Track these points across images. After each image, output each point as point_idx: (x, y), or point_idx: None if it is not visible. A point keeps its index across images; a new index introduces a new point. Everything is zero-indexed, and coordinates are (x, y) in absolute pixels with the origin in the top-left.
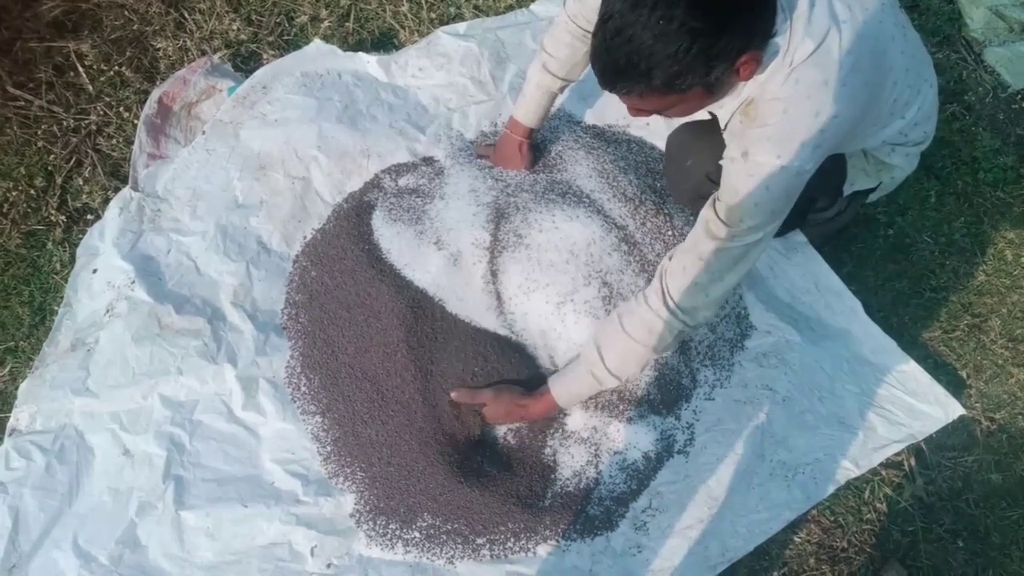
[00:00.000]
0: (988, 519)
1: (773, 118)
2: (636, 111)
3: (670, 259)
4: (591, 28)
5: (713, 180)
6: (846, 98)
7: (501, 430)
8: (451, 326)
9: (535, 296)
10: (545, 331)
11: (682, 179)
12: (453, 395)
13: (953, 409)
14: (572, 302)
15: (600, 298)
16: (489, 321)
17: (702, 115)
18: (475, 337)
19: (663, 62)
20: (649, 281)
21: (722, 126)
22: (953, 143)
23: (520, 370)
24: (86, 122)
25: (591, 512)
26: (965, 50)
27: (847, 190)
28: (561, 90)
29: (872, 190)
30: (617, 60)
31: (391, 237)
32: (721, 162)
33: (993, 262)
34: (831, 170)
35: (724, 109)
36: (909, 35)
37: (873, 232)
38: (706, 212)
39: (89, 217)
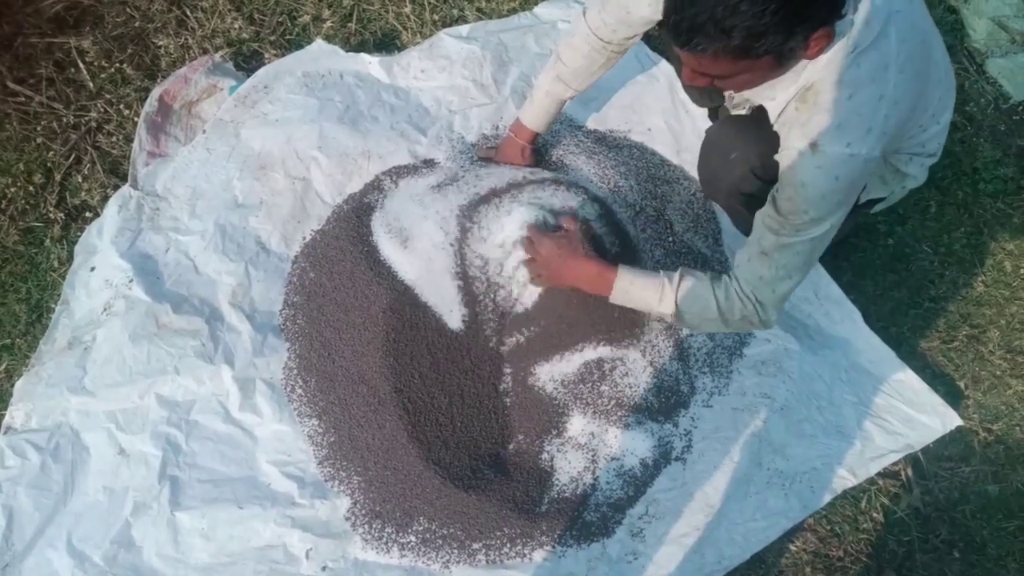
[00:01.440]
0: (984, 530)
1: (839, 104)
2: (698, 75)
3: (738, 255)
4: (611, 40)
5: (757, 175)
6: (903, 85)
7: (497, 431)
8: (447, 330)
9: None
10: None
11: (723, 173)
12: (529, 230)
13: (951, 419)
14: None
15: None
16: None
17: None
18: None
19: (747, 21)
20: None
21: (774, 116)
22: (954, 153)
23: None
24: (86, 119)
25: (587, 518)
26: (967, 61)
27: (862, 198)
28: (571, 99)
29: (881, 200)
30: (698, 14)
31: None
32: (778, 156)
33: (992, 273)
34: None
35: (777, 100)
36: (942, 38)
37: (873, 242)
38: (765, 211)
39: (88, 215)
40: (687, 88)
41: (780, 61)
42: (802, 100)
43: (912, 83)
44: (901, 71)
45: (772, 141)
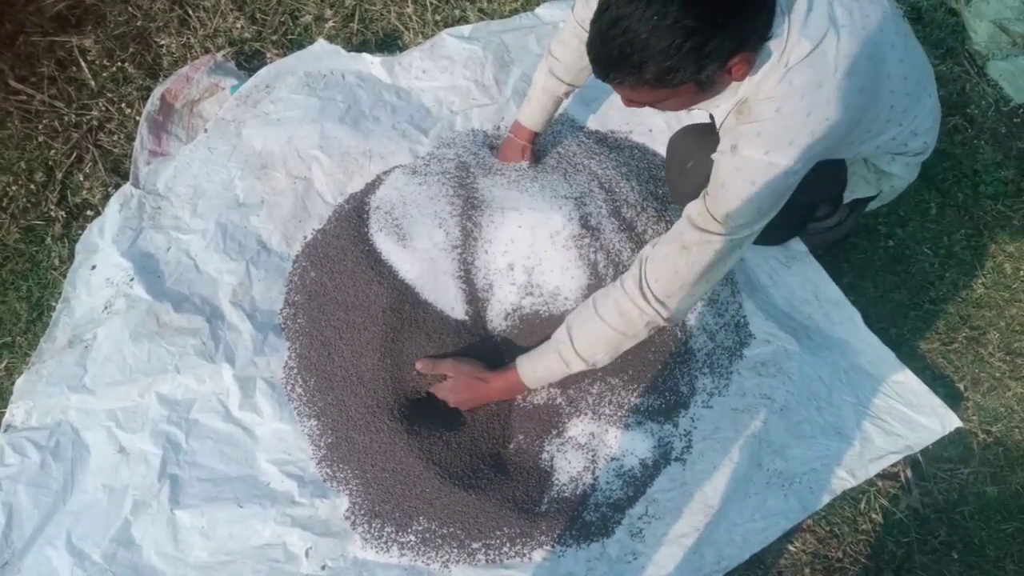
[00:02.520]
0: (983, 532)
1: (765, 115)
2: (629, 102)
3: (652, 247)
4: None
5: None
6: (840, 101)
7: (497, 431)
8: (447, 331)
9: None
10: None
11: (683, 181)
12: (418, 365)
13: (950, 421)
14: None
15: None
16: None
17: (702, 117)
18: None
19: (655, 57)
20: None
21: (717, 124)
22: (954, 155)
23: None
24: (88, 118)
25: (587, 518)
26: (968, 63)
27: (847, 198)
28: (567, 95)
29: (872, 199)
30: (611, 51)
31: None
32: (713, 156)
33: (992, 275)
34: (832, 177)
35: (720, 109)
36: (910, 44)
37: (873, 243)
38: (694, 204)
39: (89, 213)
40: None
41: (701, 88)
42: (738, 112)
43: (855, 97)
44: (838, 87)
45: None
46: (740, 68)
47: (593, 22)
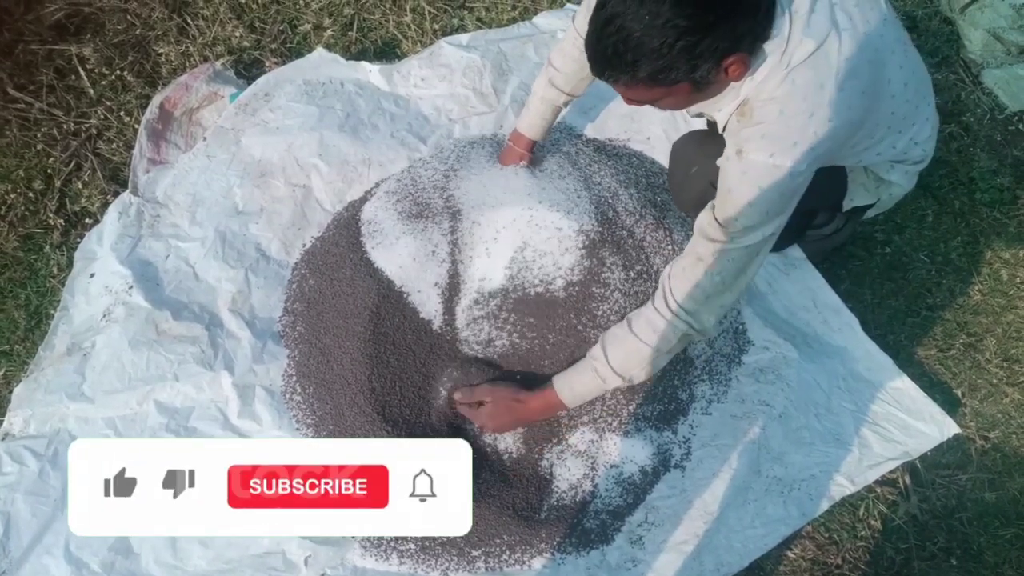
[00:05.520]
0: (982, 538)
1: (768, 117)
2: (629, 100)
3: (673, 263)
4: None
5: (716, 187)
6: (842, 103)
7: (501, 442)
8: (445, 339)
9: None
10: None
11: (686, 187)
12: (456, 396)
13: (948, 427)
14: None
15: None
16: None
17: (703, 124)
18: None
19: (648, 55)
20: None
21: (720, 128)
22: (950, 163)
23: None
24: (86, 126)
25: (587, 525)
26: (963, 71)
27: (846, 205)
28: (566, 104)
29: (870, 207)
30: (606, 48)
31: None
32: (718, 162)
33: (989, 282)
34: (832, 184)
35: (722, 113)
36: (909, 52)
37: (870, 250)
38: (703, 215)
39: (88, 221)
40: None
41: (697, 87)
42: (740, 114)
43: (856, 100)
44: (840, 89)
45: None
46: (736, 69)
47: (590, 20)
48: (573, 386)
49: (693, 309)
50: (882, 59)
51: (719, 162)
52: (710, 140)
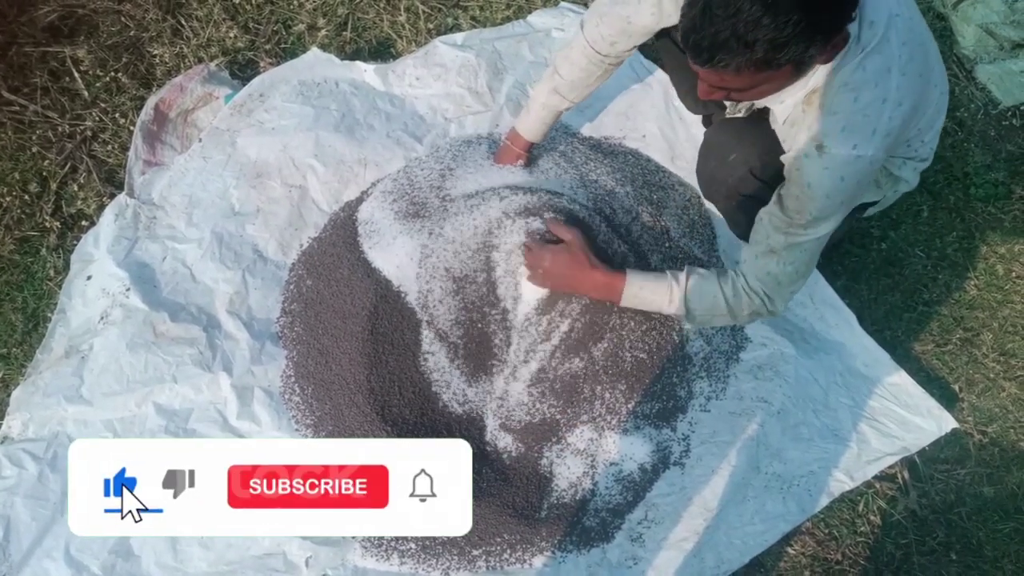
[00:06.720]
0: (981, 532)
1: (843, 106)
2: (715, 89)
3: (746, 251)
4: (609, 53)
5: (756, 176)
6: (906, 87)
7: (501, 441)
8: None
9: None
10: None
11: (722, 175)
12: (546, 214)
13: (946, 422)
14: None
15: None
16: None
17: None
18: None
19: (770, 33)
20: None
21: (780, 119)
22: (945, 159)
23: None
24: (81, 128)
25: (587, 524)
26: (957, 67)
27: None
28: (567, 110)
29: (873, 204)
30: (720, 31)
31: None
32: (784, 157)
33: (984, 276)
34: None
35: (785, 104)
36: (936, 45)
37: (866, 246)
38: (771, 209)
39: (84, 223)
40: (682, 95)
41: (799, 69)
42: (808, 102)
43: (914, 84)
44: (903, 73)
45: (769, 142)
46: (837, 47)
47: (691, 7)
48: (642, 287)
49: (769, 298)
50: (927, 45)
51: (788, 156)
52: (748, 129)
